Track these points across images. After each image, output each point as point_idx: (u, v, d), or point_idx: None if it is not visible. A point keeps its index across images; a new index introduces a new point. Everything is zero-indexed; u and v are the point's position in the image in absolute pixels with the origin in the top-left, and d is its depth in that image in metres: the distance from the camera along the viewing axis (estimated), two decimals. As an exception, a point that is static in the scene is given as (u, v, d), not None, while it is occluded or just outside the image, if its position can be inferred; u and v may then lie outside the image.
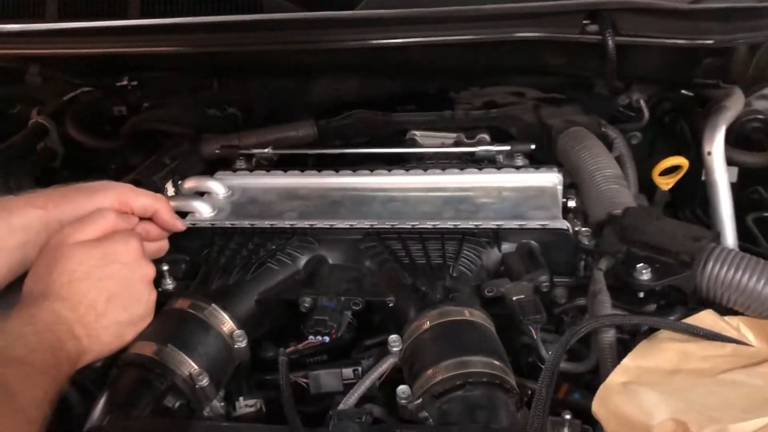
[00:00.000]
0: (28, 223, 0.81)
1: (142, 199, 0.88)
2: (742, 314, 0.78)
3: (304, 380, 0.81)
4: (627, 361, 0.70)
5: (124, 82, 1.45)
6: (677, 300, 0.83)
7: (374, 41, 1.10)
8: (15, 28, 1.19)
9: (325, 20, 1.11)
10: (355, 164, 1.13)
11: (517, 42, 1.06)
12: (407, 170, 1.08)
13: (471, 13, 1.04)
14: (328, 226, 0.95)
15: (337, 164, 1.13)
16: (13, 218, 0.81)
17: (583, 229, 0.93)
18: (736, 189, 1.08)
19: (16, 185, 1.23)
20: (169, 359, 0.77)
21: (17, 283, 0.82)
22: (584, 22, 1.01)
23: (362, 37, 1.11)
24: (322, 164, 1.14)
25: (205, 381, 0.77)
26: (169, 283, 0.90)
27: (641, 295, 0.82)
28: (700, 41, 0.97)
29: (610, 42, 0.99)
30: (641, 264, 0.81)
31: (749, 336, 0.73)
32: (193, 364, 0.77)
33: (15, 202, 0.83)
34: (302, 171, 1.12)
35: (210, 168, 1.20)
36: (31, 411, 0.62)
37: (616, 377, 0.68)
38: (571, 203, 1.01)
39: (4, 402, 0.60)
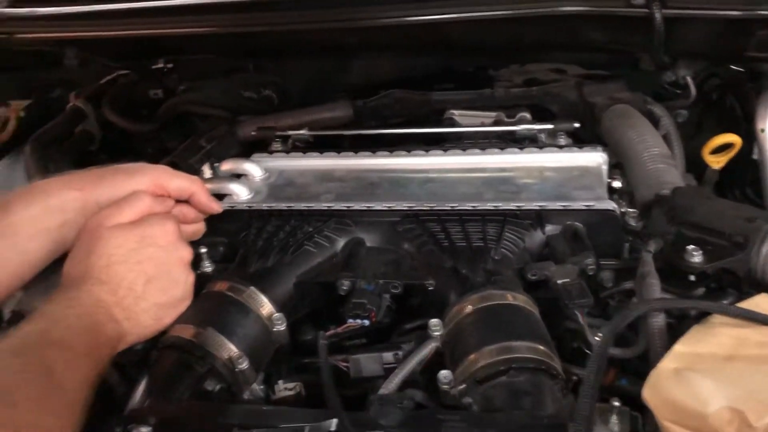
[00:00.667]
0: (66, 204, 0.81)
1: (178, 182, 0.87)
2: (799, 298, 0.75)
3: (344, 364, 0.79)
4: (679, 346, 0.67)
5: (160, 65, 1.45)
6: (730, 283, 0.79)
7: (412, 18, 1.08)
8: (52, 11, 1.19)
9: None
10: (392, 145, 1.11)
11: (559, 17, 1.02)
12: (445, 150, 1.06)
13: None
14: (365, 208, 0.94)
15: (374, 145, 1.11)
16: (50, 199, 0.81)
17: (630, 210, 0.90)
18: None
19: (55, 169, 1.23)
20: (208, 342, 0.76)
21: (56, 264, 0.82)
22: (631, -6, 0.97)
23: (400, 14, 1.09)
24: (359, 145, 1.12)
25: (244, 364, 0.76)
26: (207, 266, 0.90)
27: (692, 278, 0.79)
28: (756, 12, 0.93)
29: (657, 15, 0.95)
30: (692, 246, 0.78)
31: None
32: (232, 347, 0.77)
33: (52, 183, 0.83)
34: (338, 152, 1.10)
35: (246, 150, 1.19)
36: (74, 393, 0.62)
37: (667, 363, 0.65)
38: (616, 183, 0.98)
39: (47, 384, 0.60)
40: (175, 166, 1.02)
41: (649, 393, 0.64)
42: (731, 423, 0.59)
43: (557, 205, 0.89)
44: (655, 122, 1.10)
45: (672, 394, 0.62)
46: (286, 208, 0.95)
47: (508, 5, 0.99)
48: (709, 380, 0.61)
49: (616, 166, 1.03)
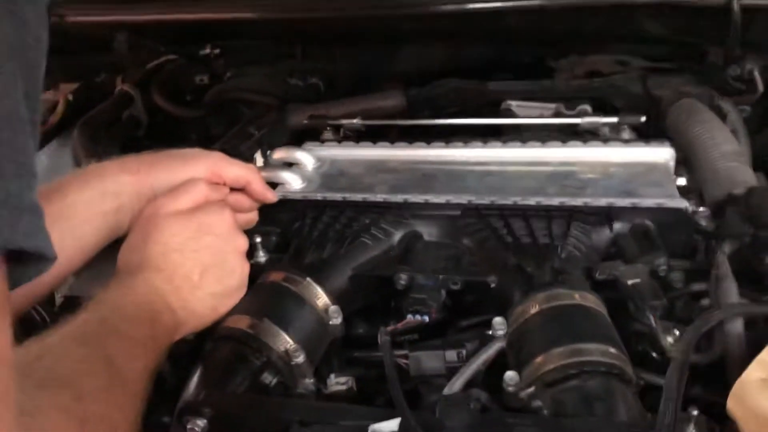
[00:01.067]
0: (121, 189, 0.80)
1: (234, 170, 0.85)
2: None
3: (404, 361, 0.77)
4: (765, 355, 0.63)
5: (207, 51, 1.44)
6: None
7: (469, 6, 1.05)
8: (104, -5, 1.18)
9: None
10: (447, 136, 1.08)
11: (625, 6, 0.99)
12: (504, 142, 1.03)
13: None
14: (423, 201, 0.91)
15: (428, 136, 1.08)
16: (106, 183, 0.79)
17: (701, 209, 0.86)
18: None
19: (103, 153, 1.23)
20: (265, 334, 0.74)
21: (106, 250, 0.81)
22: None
23: (456, 1, 1.06)
24: (412, 135, 1.09)
25: (301, 357, 0.74)
26: (261, 256, 0.88)
27: (772, 282, 0.75)
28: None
29: (735, 5, 0.91)
30: (773, 248, 0.74)
31: None
32: (288, 339, 0.74)
33: (108, 167, 0.82)
34: (392, 143, 1.07)
35: (296, 138, 1.17)
36: (134, 384, 0.61)
37: (753, 373, 0.62)
38: (682, 181, 0.94)
39: (110, 374, 0.58)
40: (226, 152, 1.00)
41: (734, 404, 0.60)
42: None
43: (626, 202, 0.85)
44: (722, 118, 1.06)
45: (760, 406, 0.59)
46: (341, 199, 0.93)
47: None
48: (803, 392, 0.58)
49: (681, 163, 0.98)
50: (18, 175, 0.38)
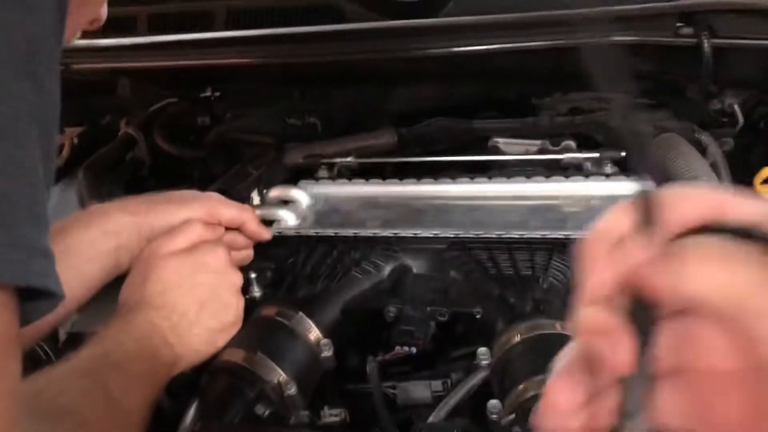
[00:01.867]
0: (121, 228, 0.84)
1: (230, 211, 0.89)
2: None
3: (392, 391, 0.80)
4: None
5: (208, 93, 1.49)
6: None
7: (458, 48, 1.10)
8: (108, 43, 1.23)
9: (408, 29, 1.11)
10: (436, 172, 1.12)
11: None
12: (490, 178, 1.07)
13: (558, 18, 1.01)
14: (412, 235, 0.94)
15: (418, 172, 1.12)
16: (108, 223, 0.83)
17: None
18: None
19: (107, 194, 1.27)
20: (258, 367, 0.77)
21: (108, 288, 0.85)
22: (678, 24, 0.98)
23: (446, 44, 1.11)
24: (403, 172, 1.14)
25: (293, 389, 0.77)
26: (256, 291, 0.91)
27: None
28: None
29: (706, 45, 0.95)
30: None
31: None
32: (281, 372, 0.78)
33: (109, 208, 0.86)
34: (383, 180, 1.11)
35: (292, 176, 1.21)
36: (133, 415, 0.64)
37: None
38: None
39: (108, 407, 0.61)
40: (225, 192, 1.04)
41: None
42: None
43: (605, 234, 0.89)
44: (702, 151, 1.10)
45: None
46: (333, 234, 0.97)
47: (555, 35, 1.00)
48: None
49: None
50: (32, 222, 0.42)
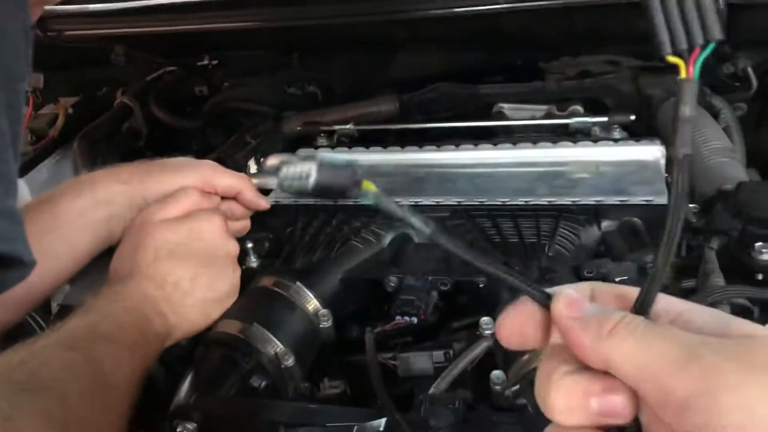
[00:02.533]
0: (113, 198, 0.81)
1: (226, 179, 0.86)
2: None
3: (392, 362, 0.77)
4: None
5: (206, 62, 1.45)
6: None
7: (461, 9, 1.06)
8: (101, 8, 1.20)
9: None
10: (439, 139, 1.08)
11: (615, 5, 0.99)
12: (495, 144, 1.03)
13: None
14: (413, 204, 0.91)
15: (421, 140, 1.09)
16: (98, 192, 0.80)
17: (690, 205, 0.86)
18: None
19: (103, 165, 1.24)
20: (254, 338, 0.75)
21: (101, 258, 0.82)
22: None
23: (449, 5, 1.07)
24: (405, 140, 1.10)
25: (290, 361, 0.74)
26: (253, 261, 0.88)
27: (760, 276, 0.75)
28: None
29: (721, 1, 0.91)
30: (761, 243, 0.74)
31: None
32: (278, 343, 0.75)
33: (100, 176, 0.83)
34: (384, 147, 1.08)
35: (291, 146, 1.17)
36: (121, 388, 0.61)
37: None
38: None
39: (96, 379, 0.59)
40: (222, 162, 1.01)
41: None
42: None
43: (614, 200, 0.85)
44: (714, 115, 1.06)
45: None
46: (332, 203, 0.94)
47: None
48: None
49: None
50: None
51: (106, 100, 1.44)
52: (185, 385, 0.73)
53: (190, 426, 0.66)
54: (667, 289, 0.80)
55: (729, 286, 0.71)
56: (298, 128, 1.19)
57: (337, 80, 1.40)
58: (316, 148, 1.12)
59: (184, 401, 0.72)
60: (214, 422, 0.67)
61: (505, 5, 1.03)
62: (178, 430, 0.66)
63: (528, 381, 0.66)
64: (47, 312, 0.89)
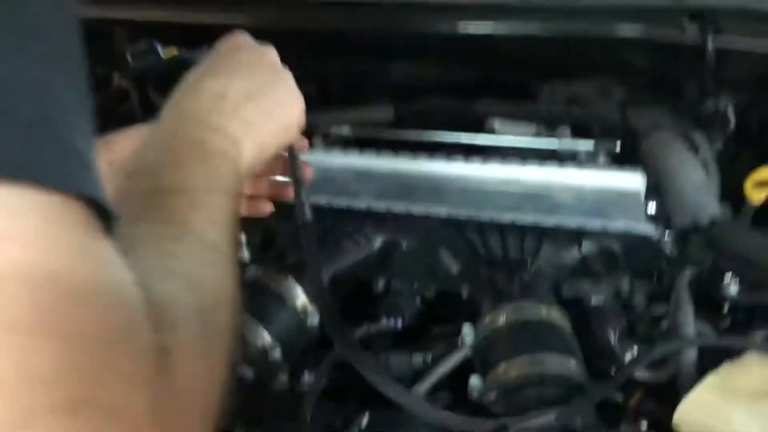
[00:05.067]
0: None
1: None
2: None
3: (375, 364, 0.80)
4: (712, 378, 0.67)
5: (205, 51, 1.47)
6: (762, 317, 0.80)
7: (463, 28, 1.09)
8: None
9: (416, 4, 1.11)
10: (432, 150, 1.12)
11: (609, 39, 1.03)
12: (485, 160, 1.07)
13: (567, 6, 1.02)
14: (405, 211, 0.95)
15: (413, 149, 1.12)
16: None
17: (666, 235, 0.90)
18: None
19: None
20: (243, 328, 0.77)
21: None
22: (685, 23, 0.98)
23: (452, 24, 1.10)
24: (398, 148, 1.13)
25: (277, 354, 0.77)
26: (245, 253, 0.91)
27: (727, 308, 0.79)
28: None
29: (710, 45, 0.96)
30: (729, 276, 0.79)
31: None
32: (266, 335, 0.78)
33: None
34: (378, 153, 1.11)
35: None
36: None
37: (700, 393, 0.66)
38: (652, 208, 0.99)
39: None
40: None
41: (680, 419, 0.64)
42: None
43: (596, 224, 0.90)
44: (694, 150, 1.11)
45: (704, 423, 0.63)
46: (326, 203, 0.97)
47: (562, 24, 1.00)
48: (744, 413, 0.62)
49: (654, 191, 1.03)
50: (82, 133, 0.38)
51: (103, 83, 1.45)
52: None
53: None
54: (639, 313, 0.85)
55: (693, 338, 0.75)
56: (295, 127, 1.21)
57: (333, 83, 1.42)
58: (312, 148, 1.15)
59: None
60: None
61: (503, 29, 1.07)
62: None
63: (504, 389, 0.70)
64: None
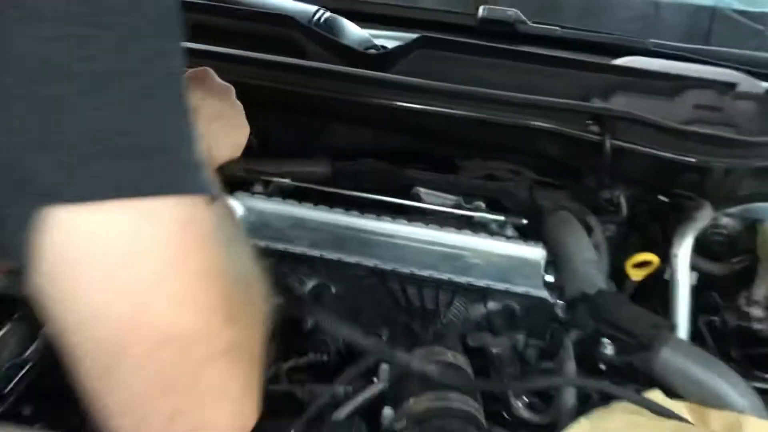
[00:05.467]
0: None
1: None
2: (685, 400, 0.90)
3: (300, 391, 0.90)
4: (583, 421, 0.81)
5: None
6: (632, 377, 0.95)
7: (397, 102, 1.24)
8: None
9: (361, 77, 1.25)
10: (363, 207, 1.24)
11: (525, 128, 1.20)
12: (409, 221, 1.20)
13: (489, 96, 1.18)
14: (336, 259, 1.06)
15: (347, 204, 1.24)
16: None
17: (559, 301, 1.05)
18: (693, 292, 1.21)
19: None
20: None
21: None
22: (588, 122, 1.16)
23: (389, 97, 1.24)
24: (333, 202, 1.25)
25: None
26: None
27: (603, 367, 0.94)
28: (683, 158, 1.12)
29: (607, 143, 1.13)
30: (606, 340, 0.94)
31: (689, 419, 0.85)
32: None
33: None
34: (315, 205, 1.22)
35: (227, 187, 1.29)
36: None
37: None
38: (549, 278, 1.13)
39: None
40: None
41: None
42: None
43: (501, 286, 1.04)
44: (588, 231, 1.27)
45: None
46: (264, 246, 1.06)
47: (483, 110, 1.16)
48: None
49: (552, 263, 1.18)
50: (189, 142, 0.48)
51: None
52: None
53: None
54: (530, 365, 0.99)
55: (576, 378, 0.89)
56: (240, 173, 1.31)
57: (274, 134, 1.53)
58: (253, 193, 1.25)
59: None
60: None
61: (430, 107, 1.22)
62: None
63: (412, 420, 0.81)
64: None
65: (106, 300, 0.45)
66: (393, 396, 0.86)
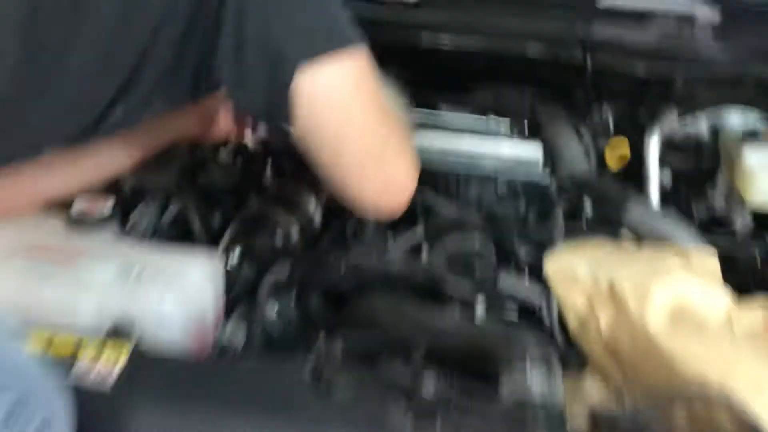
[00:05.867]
0: None
1: None
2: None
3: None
4: (565, 246, 1.15)
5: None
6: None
7: (424, 42, 1.56)
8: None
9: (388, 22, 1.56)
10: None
11: (522, 57, 1.52)
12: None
13: (493, 28, 1.50)
14: None
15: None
16: None
17: (552, 182, 1.39)
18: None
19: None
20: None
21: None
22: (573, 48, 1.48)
23: (416, 37, 1.56)
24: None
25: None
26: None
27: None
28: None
29: (589, 64, 1.46)
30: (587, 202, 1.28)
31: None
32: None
33: None
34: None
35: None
36: None
37: (561, 250, 1.13)
38: (546, 165, 1.47)
39: None
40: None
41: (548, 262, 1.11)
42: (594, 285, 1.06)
43: (508, 174, 1.38)
44: (579, 137, 1.59)
45: (561, 266, 1.09)
46: None
47: (491, 42, 1.48)
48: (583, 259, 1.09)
49: (548, 155, 1.49)
50: None
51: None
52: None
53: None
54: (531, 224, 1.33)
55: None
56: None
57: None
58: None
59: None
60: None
61: (450, 46, 1.54)
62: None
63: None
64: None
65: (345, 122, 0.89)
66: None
